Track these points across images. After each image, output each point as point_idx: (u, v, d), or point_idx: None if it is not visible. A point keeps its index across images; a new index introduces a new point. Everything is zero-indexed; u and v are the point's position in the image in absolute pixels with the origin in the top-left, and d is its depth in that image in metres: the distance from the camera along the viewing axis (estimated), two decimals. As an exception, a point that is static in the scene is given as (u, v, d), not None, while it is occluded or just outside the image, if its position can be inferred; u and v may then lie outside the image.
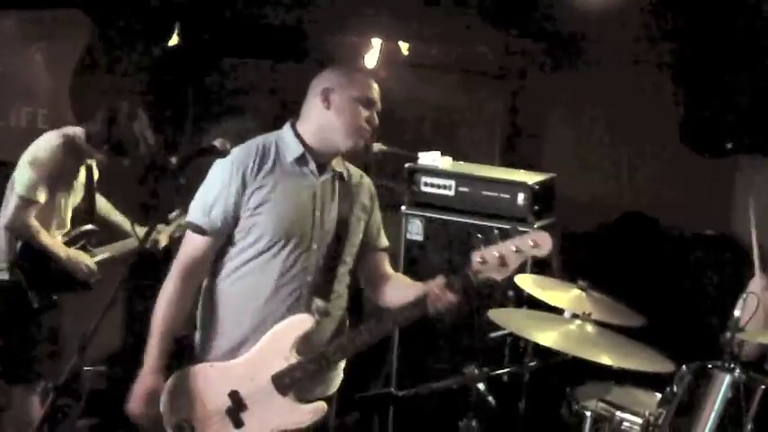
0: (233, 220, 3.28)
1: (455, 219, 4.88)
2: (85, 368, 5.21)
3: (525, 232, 3.25)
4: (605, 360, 3.41)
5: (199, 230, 3.27)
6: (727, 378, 3.22)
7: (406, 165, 5.04)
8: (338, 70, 3.42)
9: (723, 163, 5.46)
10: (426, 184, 4.97)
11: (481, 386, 3.62)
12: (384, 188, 5.60)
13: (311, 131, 3.34)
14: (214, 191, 3.27)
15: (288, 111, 3.56)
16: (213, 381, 3.33)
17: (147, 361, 3.30)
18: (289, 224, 3.29)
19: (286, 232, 3.28)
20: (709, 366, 3.29)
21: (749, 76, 5.14)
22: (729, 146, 5.27)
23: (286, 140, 3.35)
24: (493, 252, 3.21)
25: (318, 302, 3.33)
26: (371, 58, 5.82)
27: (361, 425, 5.20)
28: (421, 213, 4.95)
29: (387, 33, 5.77)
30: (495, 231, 3.27)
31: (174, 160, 3.04)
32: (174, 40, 5.86)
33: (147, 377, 3.29)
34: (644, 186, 5.61)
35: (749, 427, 3.15)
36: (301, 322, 3.31)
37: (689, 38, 5.24)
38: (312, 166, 3.34)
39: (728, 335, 3.35)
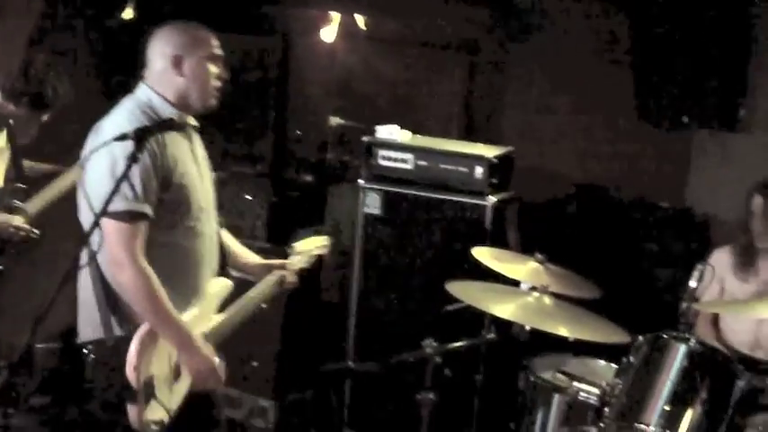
0: (161, 196, 3.27)
1: (413, 192, 4.86)
2: (38, 345, 5.15)
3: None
4: (562, 331, 3.43)
5: (140, 216, 3.21)
6: (683, 348, 3.24)
7: (364, 138, 5.01)
8: (181, 31, 3.41)
9: (679, 136, 5.50)
10: (384, 158, 4.94)
11: (438, 359, 3.64)
12: (342, 162, 5.64)
13: (169, 94, 3.38)
14: (145, 174, 3.20)
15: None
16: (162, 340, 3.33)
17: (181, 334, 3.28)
18: (196, 187, 3.39)
19: (197, 196, 3.39)
20: (665, 336, 3.30)
21: (705, 49, 5.16)
22: (685, 120, 5.29)
23: (158, 107, 3.36)
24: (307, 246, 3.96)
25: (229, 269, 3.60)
26: (330, 32, 5.78)
27: (318, 399, 5.19)
28: (379, 187, 4.92)
29: (345, 7, 5.72)
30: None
31: (131, 134, 2.99)
32: (128, 13, 5.76)
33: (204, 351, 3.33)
34: (601, 159, 5.62)
35: (704, 395, 3.16)
36: (225, 286, 3.54)
37: (645, 10, 5.24)
38: (184, 126, 3.42)
39: (684, 305, 3.37)
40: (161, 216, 3.27)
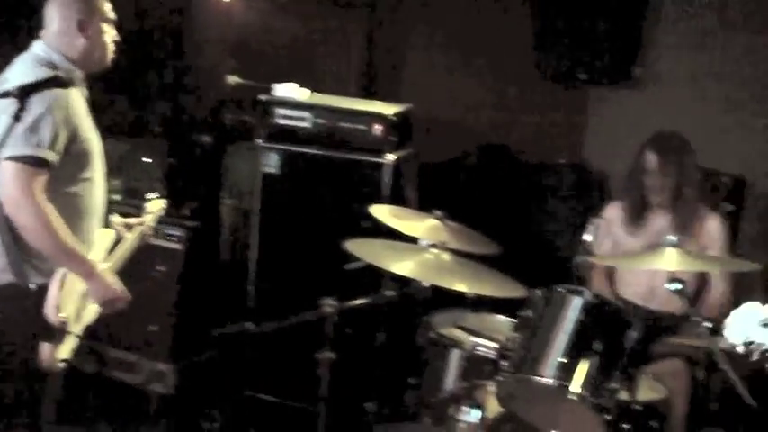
0: (69, 147, 3.36)
1: (312, 151, 4.82)
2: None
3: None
4: (461, 287, 3.44)
5: (43, 163, 3.27)
6: (577, 300, 3.26)
7: (261, 97, 4.94)
8: None
9: (576, 93, 5.56)
10: (282, 117, 4.87)
11: (339, 318, 3.62)
12: (240, 122, 5.56)
13: (71, 54, 3.50)
14: (53, 124, 3.28)
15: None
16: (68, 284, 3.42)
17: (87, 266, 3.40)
18: (94, 140, 3.51)
19: (96, 149, 3.52)
20: (560, 290, 3.33)
21: (601, 6, 5.21)
22: (582, 76, 5.35)
23: (59, 64, 3.46)
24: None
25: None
26: (227, -11, 5.67)
27: (217, 362, 5.14)
28: (277, 146, 4.86)
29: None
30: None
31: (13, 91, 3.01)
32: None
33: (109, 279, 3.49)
34: (500, 117, 5.66)
35: (598, 346, 3.20)
36: (109, 235, 3.70)
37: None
38: (75, 82, 3.51)
39: (579, 259, 3.41)
40: (66, 166, 3.35)
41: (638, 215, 4.30)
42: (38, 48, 3.49)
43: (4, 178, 3.21)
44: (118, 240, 3.77)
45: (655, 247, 4.11)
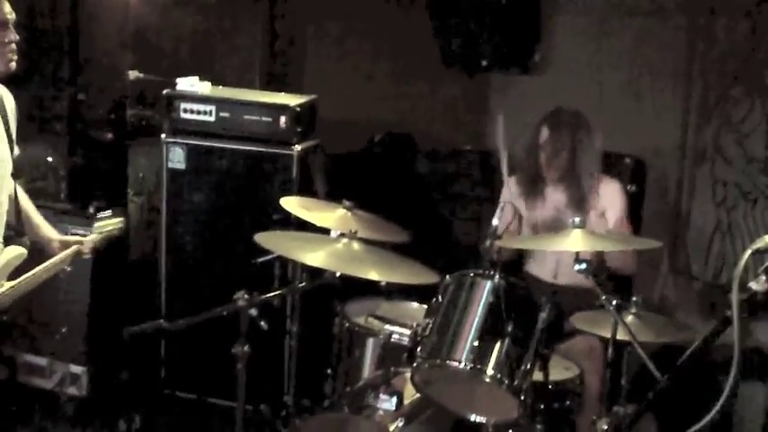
0: None
1: (218, 145, 4.79)
2: None
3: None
4: (373, 276, 3.46)
5: None
6: (488, 284, 3.32)
7: (164, 92, 4.89)
8: None
9: (478, 80, 5.62)
10: (186, 111, 4.83)
11: (253, 311, 3.61)
12: (143, 117, 5.49)
13: None
14: None
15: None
16: None
17: None
18: None
19: None
20: (471, 274, 3.38)
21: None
22: (484, 63, 5.41)
23: None
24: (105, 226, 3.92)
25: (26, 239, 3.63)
26: (125, -18, 5.57)
27: (133, 361, 5.09)
28: (182, 141, 4.82)
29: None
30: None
31: None
32: None
33: None
34: (405, 105, 5.70)
35: (509, 329, 3.26)
36: (18, 253, 3.54)
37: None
38: None
39: (488, 243, 3.46)
40: None
41: (534, 190, 4.38)
42: None
43: None
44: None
45: (557, 223, 4.23)
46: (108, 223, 3.99)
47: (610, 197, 4.37)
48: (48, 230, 3.83)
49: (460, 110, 5.67)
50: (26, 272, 3.57)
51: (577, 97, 5.14)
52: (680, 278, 5.24)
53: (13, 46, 3.48)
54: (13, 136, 3.61)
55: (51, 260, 3.70)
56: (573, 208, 4.27)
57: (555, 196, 4.37)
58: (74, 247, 3.77)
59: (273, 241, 3.71)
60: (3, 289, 3.49)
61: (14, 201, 3.63)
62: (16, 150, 3.66)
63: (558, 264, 4.32)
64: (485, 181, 5.46)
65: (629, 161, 5.07)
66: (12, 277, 3.54)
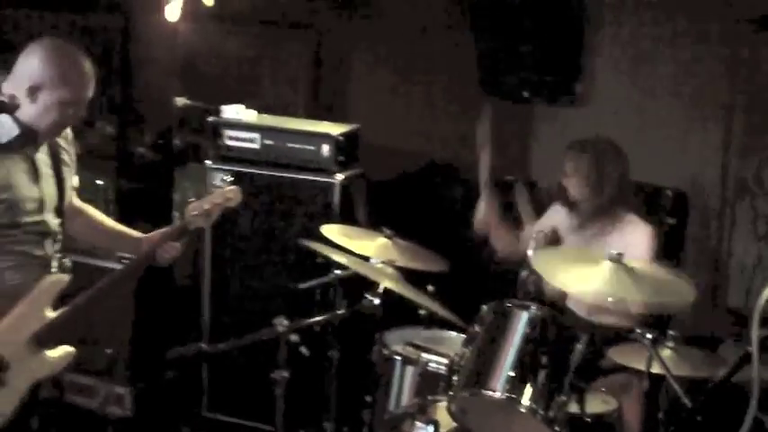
0: None
1: (261, 172, 4.87)
2: None
3: (221, 188, 3.87)
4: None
5: None
6: (525, 314, 3.36)
7: (210, 119, 4.98)
8: (53, 63, 3.29)
9: (521, 111, 5.66)
10: (231, 138, 4.92)
11: (294, 337, 3.67)
12: (189, 143, 5.60)
13: (19, 113, 3.29)
14: None
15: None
16: None
17: None
18: (20, 201, 3.34)
19: (20, 208, 3.34)
20: (508, 305, 3.42)
21: (544, 26, 5.31)
22: (526, 94, 5.45)
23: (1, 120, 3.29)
24: (203, 205, 3.68)
25: (66, 261, 3.55)
26: (173, 11, 5.68)
27: (175, 383, 5.16)
28: (226, 167, 4.89)
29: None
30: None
31: None
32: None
33: None
34: (447, 135, 5.73)
35: (545, 360, 3.29)
36: (58, 281, 3.44)
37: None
38: (33, 143, 3.37)
39: (524, 274, 3.49)
40: None
41: (576, 214, 4.35)
42: None
43: None
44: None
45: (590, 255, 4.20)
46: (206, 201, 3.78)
47: (634, 241, 4.16)
48: (129, 232, 3.80)
49: (504, 140, 5.69)
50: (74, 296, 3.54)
51: (619, 128, 5.14)
52: (720, 312, 5.21)
53: (69, 119, 3.40)
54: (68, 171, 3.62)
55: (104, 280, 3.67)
56: (597, 238, 4.25)
57: (582, 226, 4.37)
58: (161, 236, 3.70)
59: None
60: (45, 320, 3.41)
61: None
62: (75, 180, 3.70)
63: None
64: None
65: (669, 193, 5.06)
66: (58, 304, 3.48)
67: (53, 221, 3.47)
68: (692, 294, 3.37)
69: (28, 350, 3.36)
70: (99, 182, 5.36)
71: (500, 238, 4.49)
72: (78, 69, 3.33)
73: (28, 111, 3.28)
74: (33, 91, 3.26)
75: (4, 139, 3.25)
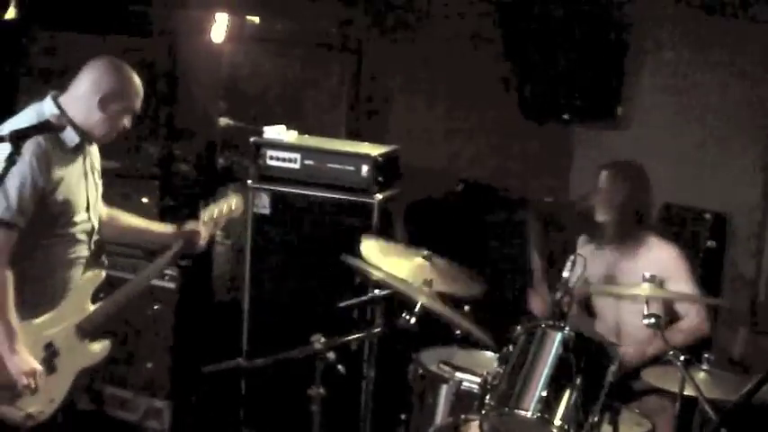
0: (38, 209, 3.52)
1: (302, 192, 4.92)
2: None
3: (227, 196, 4.23)
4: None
5: (11, 226, 3.46)
6: (558, 335, 3.37)
7: (252, 139, 5.06)
8: (120, 77, 3.70)
9: (561, 133, 5.68)
10: (272, 158, 4.98)
11: (331, 355, 3.71)
12: (231, 163, 5.67)
13: (78, 119, 3.65)
14: (22, 188, 3.45)
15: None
16: (31, 336, 3.59)
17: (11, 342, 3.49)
18: (78, 202, 3.69)
19: (78, 208, 3.69)
20: (541, 325, 3.44)
21: (584, 49, 5.34)
22: (566, 117, 5.47)
23: (61, 125, 3.51)
24: (214, 211, 4.14)
25: (104, 258, 3.92)
26: (218, 33, 5.79)
27: (213, 398, 5.22)
28: (267, 187, 4.97)
29: (232, 7, 5.74)
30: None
31: (6, 136, 3.07)
32: (11, 13, 5.68)
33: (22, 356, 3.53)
34: (486, 156, 5.78)
35: (578, 381, 3.30)
36: (96, 277, 3.83)
37: (524, 10, 5.41)
38: (84, 149, 3.72)
39: (558, 295, 3.51)
40: (41, 224, 3.55)
41: (598, 239, 4.38)
42: (47, 104, 3.65)
43: None
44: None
45: (609, 281, 4.23)
46: (218, 206, 4.18)
47: (661, 262, 4.21)
48: (159, 227, 4.18)
49: (542, 162, 5.73)
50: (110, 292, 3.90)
51: (658, 151, 5.18)
52: (759, 337, 5.17)
53: (121, 129, 3.76)
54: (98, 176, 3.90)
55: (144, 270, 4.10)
56: (622, 261, 4.28)
57: (608, 253, 4.38)
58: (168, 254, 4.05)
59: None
60: (86, 312, 3.80)
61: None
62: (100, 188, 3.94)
63: (616, 323, 4.32)
64: (564, 233, 5.47)
65: (708, 216, 5.06)
66: (96, 298, 3.86)
67: (94, 221, 3.80)
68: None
69: (73, 340, 3.75)
70: (144, 200, 5.45)
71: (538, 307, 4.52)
72: (136, 83, 3.75)
73: (94, 119, 3.65)
74: (105, 101, 3.63)
75: (72, 145, 3.62)
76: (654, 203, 4.42)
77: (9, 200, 3.42)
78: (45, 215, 3.55)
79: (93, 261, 3.83)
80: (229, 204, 4.22)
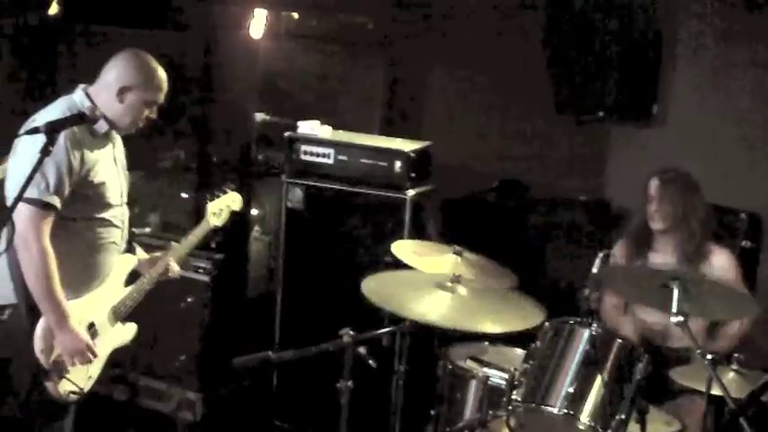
0: (76, 190, 3.62)
1: (335, 187, 4.95)
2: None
3: (226, 192, 4.28)
4: (486, 327, 3.59)
5: (49, 206, 3.54)
6: (586, 332, 3.37)
7: (286, 134, 5.09)
8: (140, 69, 3.77)
9: (597, 131, 5.66)
10: (306, 153, 5.03)
11: (362, 350, 3.73)
12: (266, 158, 5.71)
13: (104, 109, 3.74)
14: (59, 170, 3.54)
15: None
16: (77, 316, 3.68)
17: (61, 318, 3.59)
18: (112, 186, 3.78)
19: (113, 193, 3.79)
20: (570, 322, 3.44)
21: (620, 47, 5.31)
22: (601, 115, 5.44)
23: (90, 114, 3.63)
24: (218, 205, 4.24)
25: (135, 246, 4.07)
26: (257, 28, 5.82)
27: (245, 390, 5.27)
28: (301, 182, 5.01)
29: (270, 3, 5.78)
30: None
31: (41, 127, 3.17)
32: (53, 9, 5.76)
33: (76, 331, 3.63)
34: (521, 153, 5.76)
35: (605, 377, 3.30)
36: (129, 261, 3.99)
37: (560, 8, 5.39)
38: (111, 136, 3.83)
39: (586, 292, 3.50)
40: (78, 208, 3.65)
41: (641, 244, 4.37)
42: (77, 94, 3.75)
43: (18, 216, 3.39)
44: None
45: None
46: (220, 203, 4.25)
47: (723, 268, 4.30)
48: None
49: (577, 160, 5.71)
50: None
51: (694, 150, 5.14)
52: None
53: (144, 120, 3.84)
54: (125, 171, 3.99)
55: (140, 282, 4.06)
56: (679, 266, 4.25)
57: (659, 258, 4.36)
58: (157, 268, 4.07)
59: (380, 291, 3.77)
60: (121, 295, 3.93)
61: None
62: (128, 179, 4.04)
63: (663, 324, 4.28)
64: (601, 231, 5.45)
65: (744, 216, 5.01)
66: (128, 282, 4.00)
67: (126, 208, 3.91)
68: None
69: (108, 321, 3.88)
70: (184, 195, 5.52)
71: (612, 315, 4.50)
72: (159, 76, 3.81)
73: (115, 109, 3.74)
74: (123, 91, 3.72)
75: (101, 132, 3.72)
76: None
77: (46, 182, 3.50)
78: (83, 197, 3.64)
79: (126, 249, 3.96)
80: (228, 202, 4.29)
